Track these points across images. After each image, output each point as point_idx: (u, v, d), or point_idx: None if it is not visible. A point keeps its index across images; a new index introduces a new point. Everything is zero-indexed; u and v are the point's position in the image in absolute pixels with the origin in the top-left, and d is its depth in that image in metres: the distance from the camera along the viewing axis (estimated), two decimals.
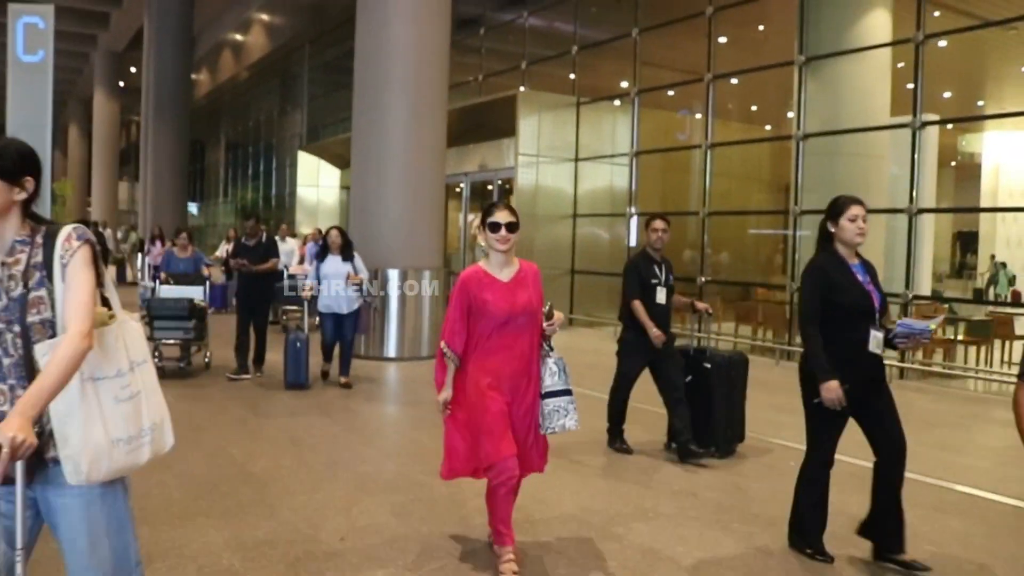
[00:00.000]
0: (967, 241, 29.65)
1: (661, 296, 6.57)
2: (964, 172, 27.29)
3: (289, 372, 8.88)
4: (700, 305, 6.94)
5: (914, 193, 11.03)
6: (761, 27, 14.93)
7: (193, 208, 42.77)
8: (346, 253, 9.02)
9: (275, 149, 31.89)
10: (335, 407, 8.26)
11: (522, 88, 17.19)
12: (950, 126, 21.97)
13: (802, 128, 12.21)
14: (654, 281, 6.56)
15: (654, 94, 15.69)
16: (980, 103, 19.79)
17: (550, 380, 4.15)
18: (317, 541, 4.53)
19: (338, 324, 9.04)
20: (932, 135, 14.58)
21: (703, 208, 13.63)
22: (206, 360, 9.89)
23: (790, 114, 12.78)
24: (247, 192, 35.07)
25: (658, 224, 6.64)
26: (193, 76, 37.79)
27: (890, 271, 11.97)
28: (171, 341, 9.44)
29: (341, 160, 22.85)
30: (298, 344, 8.89)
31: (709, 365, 6.58)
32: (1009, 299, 18.05)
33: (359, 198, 11.74)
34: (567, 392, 4.17)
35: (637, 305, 6.49)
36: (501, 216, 4.07)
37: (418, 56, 11.28)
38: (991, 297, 19.14)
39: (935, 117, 13.49)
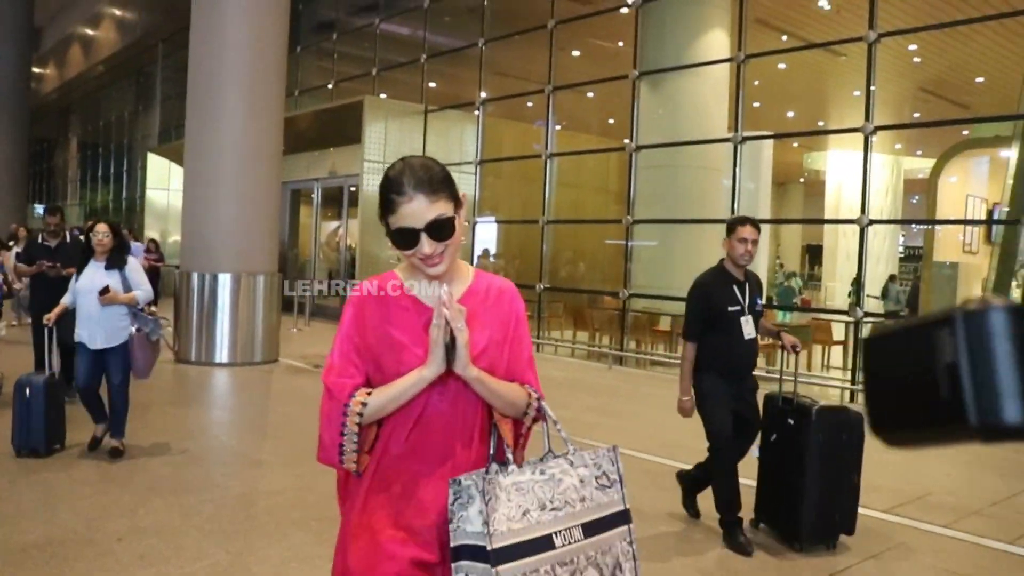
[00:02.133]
0: (815, 254, 31.33)
1: (748, 327, 4.81)
2: (812, 188, 28.88)
3: (16, 432, 6.12)
4: (788, 339, 4.92)
5: (735, 205, 11.60)
6: (621, 43, 15.44)
7: (40, 210, 40.87)
8: (114, 259, 6.20)
9: (127, 150, 30.82)
10: (153, 409, 8.08)
11: (383, 95, 17.24)
12: (796, 143, 23.26)
13: (635, 140, 12.67)
14: (733, 309, 4.79)
15: (506, 104, 15.99)
16: (821, 123, 20.98)
17: (463, 521, 1.84)
18: (92, 543, 4.46)
19: (96, 364, 6.16)
20: (766, 151, 15.40)
21: (543, 216, 13.96)
22: None
23: None
24: (97, 195, 33.75)
25: (746, 232, 4.77)
26: (39, 70, 36.12)
27: None
28: None
29: None
30: (28, 391, 6.15)
31: (793, 421, 4.73)
32: (800, 305, 18.00)
33: (192, 201, 11.52)
34: (481, 554, 1.78)
35: (687, 353, 4.85)
36: (412, 210, 1.85)
37: (253, 59, 11.17)
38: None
39: (767, 132, 14.30)
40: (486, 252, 16.37)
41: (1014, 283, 9.94)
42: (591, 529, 1.88)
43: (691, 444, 6.47)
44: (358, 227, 16.07)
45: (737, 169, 11.55)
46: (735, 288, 4.82)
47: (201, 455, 6.72)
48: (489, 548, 1.75)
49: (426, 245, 1.85)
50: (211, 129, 11.09)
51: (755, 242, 4.79)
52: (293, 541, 4.57)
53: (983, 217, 12.36)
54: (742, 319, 4.79)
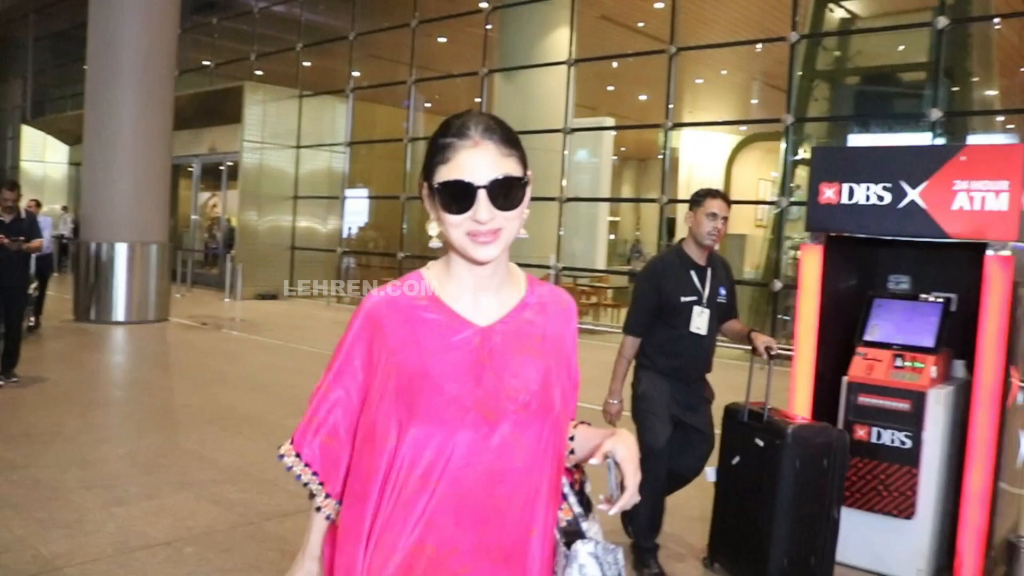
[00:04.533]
0: (671, 225, 34.40)
1: (700, 321, 4.02)
2: (671, 164, 31.52)
3: None
4: (760, 340, 4.00)
5: (563, 183, 13.79)
6: (490, 26, 17.16)
7: None
8: None
9: None
10: (69, 356, 9.64)
11: (258, 72, 18.66)
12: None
13: None
14: (687, 299, 4.01)
15: (379, 89, 17.72)
16: (671, 106, 23.37)
17: None
18: (61, 434, 6.17)
19: None
20: (608, 136, 17.49)
21: (404, 192, 15.87)
22: None
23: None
24: None
25: (715, 206, 3.98)
26: None
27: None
28: None
29: (70, 136, 23.10)
30: None
31: (762, 442, 3.87)
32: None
33: (90, 175, 12.86)
34: None
35: (625, 349, 4.06)
36: (475, 158, 1.42)
37: (147, 45, 12.51)
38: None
39: (609, 121, 16.52)
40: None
41: (786, 258, 12.18)
42: None
43: None
44: (238, 200, 17.53)
45: (566, 153, 13.74)
46: (693, 275, 4.04)
47: (122, 383, 8.43)
48: None
49: (483, 208, 1.40)
50: (109, 113, 12.44)
51: (725, 219, 4.00)
52: (207, 432, 6.38)
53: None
54: (695, 309, 4.01)
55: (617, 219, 27.51)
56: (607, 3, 15.26)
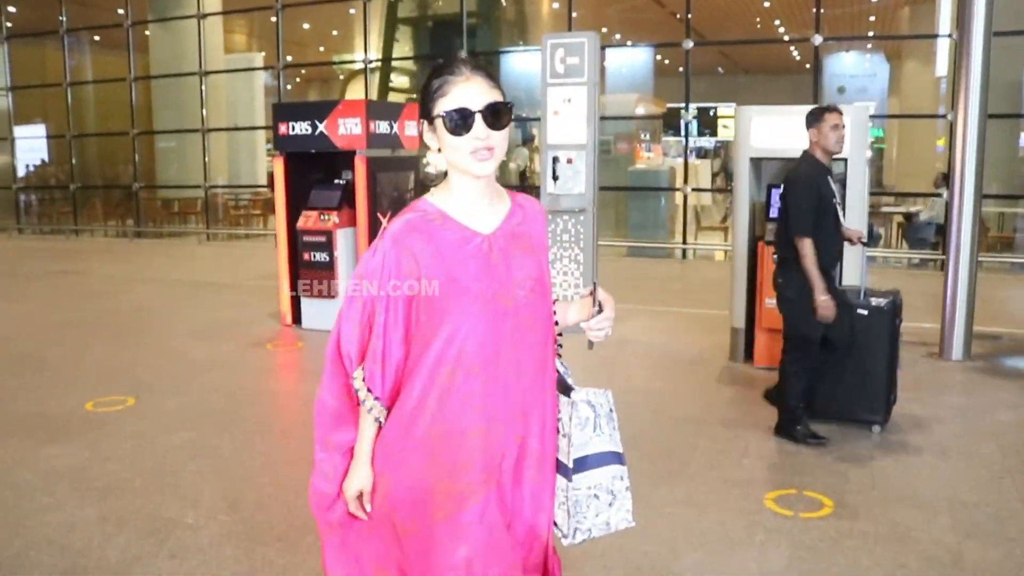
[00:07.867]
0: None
1: (840, 217, 4.77)
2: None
3: None
4: (853, 233, 4.97)
5: (203, 113, 16.54)
6: None
7: None
8: None
9: None
10: None
11: None
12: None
13: (133, 72, 17.05)
14: (834, 200, 4.70)
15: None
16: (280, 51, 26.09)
17: (584, 435, 1.96)
18: None
19: None
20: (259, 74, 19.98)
21: (69, 131, 17.84)
22: None
23: None
24: None
25: (836, 118, 4.67)
26: None
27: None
28: None
29: None
30: None
31: (867, 312, 4.88)
32: None
33: None
34: (616, 458, 1.99)
35: (809, 249, 4.53)
36: (469, 90, 1.82)
37: None
38: None
39: (257, 59, 19.16)
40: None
41: None
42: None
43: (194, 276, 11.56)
44: None
45: (203, 89, 16.45)
46: (829, 179, 4.70)
47: None
48: (618, 447, 2.00)
49: (480, 127, 1.79)
50: None
51: (844, 127, 4.70)
52: None
53: None
54: (837, 208, 4.69)
55: None
56: None
